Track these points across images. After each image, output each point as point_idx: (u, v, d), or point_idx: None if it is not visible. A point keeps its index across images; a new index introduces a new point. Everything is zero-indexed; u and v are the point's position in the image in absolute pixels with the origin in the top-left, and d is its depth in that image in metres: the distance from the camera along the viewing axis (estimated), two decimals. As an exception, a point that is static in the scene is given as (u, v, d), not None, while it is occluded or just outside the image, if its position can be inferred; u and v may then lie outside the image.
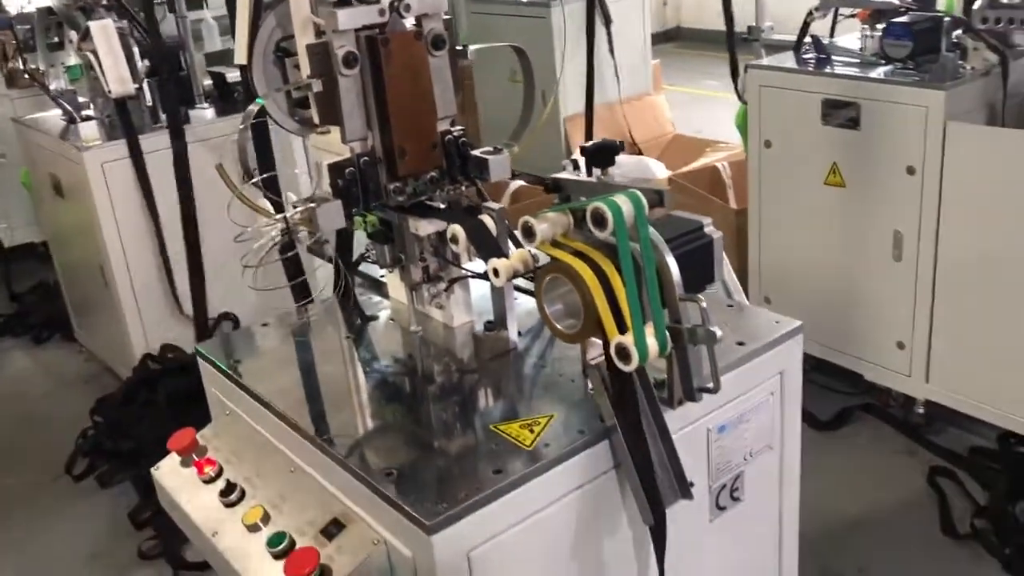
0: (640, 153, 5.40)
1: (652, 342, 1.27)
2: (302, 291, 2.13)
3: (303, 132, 1.73)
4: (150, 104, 3.47)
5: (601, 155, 1.44)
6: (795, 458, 1.69)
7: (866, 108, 2.94)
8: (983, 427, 3.04)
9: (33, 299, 4.88)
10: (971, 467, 2.96)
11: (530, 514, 1.32)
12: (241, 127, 1.55)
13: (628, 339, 1.26)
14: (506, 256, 1.46)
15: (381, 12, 1.50)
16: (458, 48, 1.62)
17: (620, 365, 1.28)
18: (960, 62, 2.86)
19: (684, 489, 1.39)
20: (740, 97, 3.64)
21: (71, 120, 3.73)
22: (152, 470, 1.66)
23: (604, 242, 1.33)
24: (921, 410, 3.18)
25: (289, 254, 1.96)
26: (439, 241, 1.65)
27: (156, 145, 3.41)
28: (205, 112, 3.61)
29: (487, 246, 1.48)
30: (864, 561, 2.67)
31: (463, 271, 1.69)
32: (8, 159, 4.76)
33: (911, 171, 2.89)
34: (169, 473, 1.63)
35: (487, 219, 1.53)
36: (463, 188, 1.66)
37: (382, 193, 1.60)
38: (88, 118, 3.73)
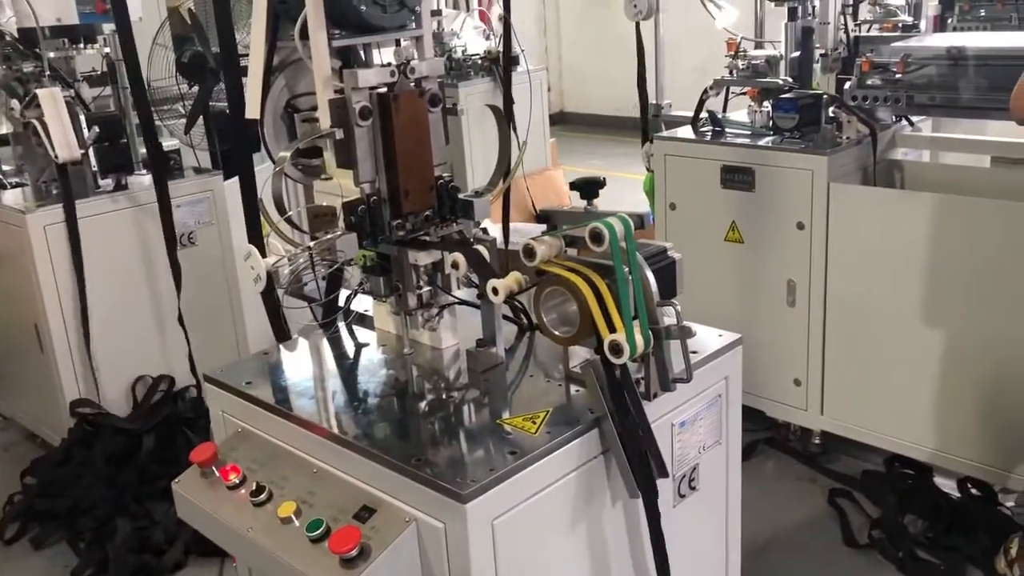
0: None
1: (639, 338, 1.54)
2: (282, 332, 2.32)
3: (306, 180, 1.96)
4: (95, 169, 3.58)
5: (588, 188, 1.73)
6: (737, 452, 1.99)
7: (760, 172, 3.36)
8: (872, 452, 3.43)
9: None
10: (864, 487, 3.32)
11: (540, 489, 1.55)
12: (274, 173, 1.75)
13: (620, 336, 1.53)
14: (500, 278, 1.71)
15: (391, 73, 1.76)
16: (448, 106, 1.90)
17: (613, 359, 1.54)
18: (837, 132, 3.32)
19: (661, 469, 1.66)
20: (646, 165, 4.03)
21: (1, 186, 3.80)
22: (173, 484, 1.80)
23: (590, 262, 1.62)
24: (818, 440, 3.55)
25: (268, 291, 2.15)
26: (433, 270, 1.90)
27: (98, 209, 3.53)
28: (143, 178, 3.75)
29: (485, 270, 1.74)
30: (781, 571, 2.97)
31: (453, 298, 1.93)
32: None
33: (801, 226, 3.30)
34: (191, 485, 1.77)
35: (482, 249, 1.79)
36: (454, 225, 1.91)
37: (385, 229, 1.83)
38: (17, 185, 3.81)
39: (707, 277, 3.59)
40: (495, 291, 1.69)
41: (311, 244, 1.73)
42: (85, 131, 3.48)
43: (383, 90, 1.77)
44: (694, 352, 1.85)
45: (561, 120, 11.15)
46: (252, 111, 1.91)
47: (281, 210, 1.73)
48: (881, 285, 3.17)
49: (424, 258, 1.85)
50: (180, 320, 3.50)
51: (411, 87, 1.80)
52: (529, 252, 1.61)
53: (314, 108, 1.85)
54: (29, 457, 3.76)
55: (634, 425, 1.59)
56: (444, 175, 1.90)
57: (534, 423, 1.63)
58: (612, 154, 8.79)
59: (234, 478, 1.72)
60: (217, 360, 2.04)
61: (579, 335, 1.60)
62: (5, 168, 3.98)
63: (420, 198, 1.83)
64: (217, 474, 1.74)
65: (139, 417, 3.64)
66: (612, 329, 1.55)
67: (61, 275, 3.48)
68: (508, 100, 2.99)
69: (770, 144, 3.38)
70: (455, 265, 1.77)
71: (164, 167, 3.76)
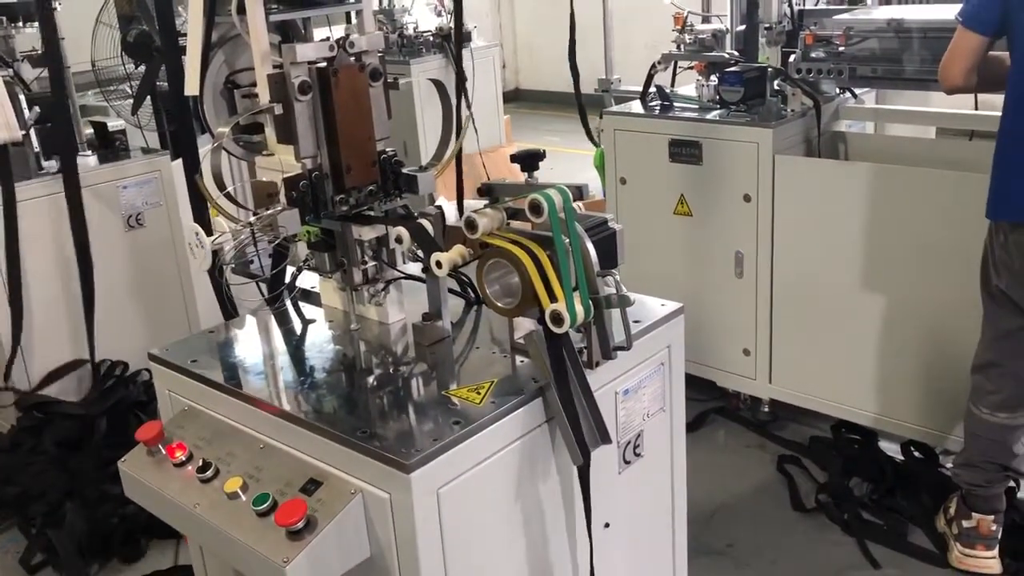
0: (498, 200, 5.77)
1: (579, 308, 1.56)
2: (229, 309, 2.32)
3: (247, 156, 1.95)
4: (37, 150, 3.52)
5: (529, 160, 1.74)
6: (681, 418, 2.02)
7: (707, 145, 3.40)
8: (820, 419, 3.51)
9: None
10: (812, 453, 3.40)
11: (485, 458, 1.57)
12: (212, 148, 1.74)
13: (561, 306, 1.55)
14: (444, 251, 1.72)
15: (330, 48, 1.76)
16: (389, 80, 1.90)
17: (554, 329, 1.57)
18: (782, 105, 3.37)
19: (604, 435, 1.68)
20: (594, 142, 4.06)
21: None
22: (119, 463, 1.79)
23: (532, 233, 1.63)
24: (767, 408, 3.62)
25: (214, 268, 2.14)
26: (378, 245, 1.90)
27: (41, 191, 3.47)
28: (88, 159, 3.69)
29: (429, 243, 1.75)
30: (731, 537, 3.03)
31: (399, 272, 1.94)
32: None
33: (747, 199, 3.35)
34: (137, 463, 1.77)
35: (426, 223, 1.80)
36: (397, 200, 1.92)
37: (328, 204, 1.83)
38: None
39: (657, 250, 3.64)
40: (439, 264, 1.70)
41: (252, 220, 1.72)
42: (25, 111, 3.42)
43: (323, 65, 1.76)
44: (636, 321, 1.88)
45: (516, 97, 11.14)
46: (191, 88, 1.89)
47: (220, 186, 1.72)
48: (826, 255, 3.23)
49: (368, 233, 1.86)
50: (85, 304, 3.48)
51: (351, 61, 1.79)
52: (471, 225, 1.63)
53: (254, 84, 1.84)
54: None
55: (576, 392, 1.61)
56: (387, 150, 1.90)
57: (479, 393, 1.65)
58: (568, 130, 8.77)
59: (180, 455, 1.72)
60: (168, 341, 2.03)
61: (521, 306, 1.62)
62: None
63: (362, 173, 1.84)
64: (163, 452, 1.74)
65: (91, 402, 3.61)
66: (553, 299, 1.57)
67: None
68: (460, 75, 2.98)
69: (717, 118, 3.42)
70: (399, 239, 1.77)
71: (73, 153, 3.68)
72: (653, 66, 3.71)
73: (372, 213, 1.89)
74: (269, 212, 1.72)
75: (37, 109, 3.43)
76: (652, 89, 3.71)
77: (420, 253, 1.82)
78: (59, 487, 3.30)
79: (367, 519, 1.55)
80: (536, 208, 1.54)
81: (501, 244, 1.61)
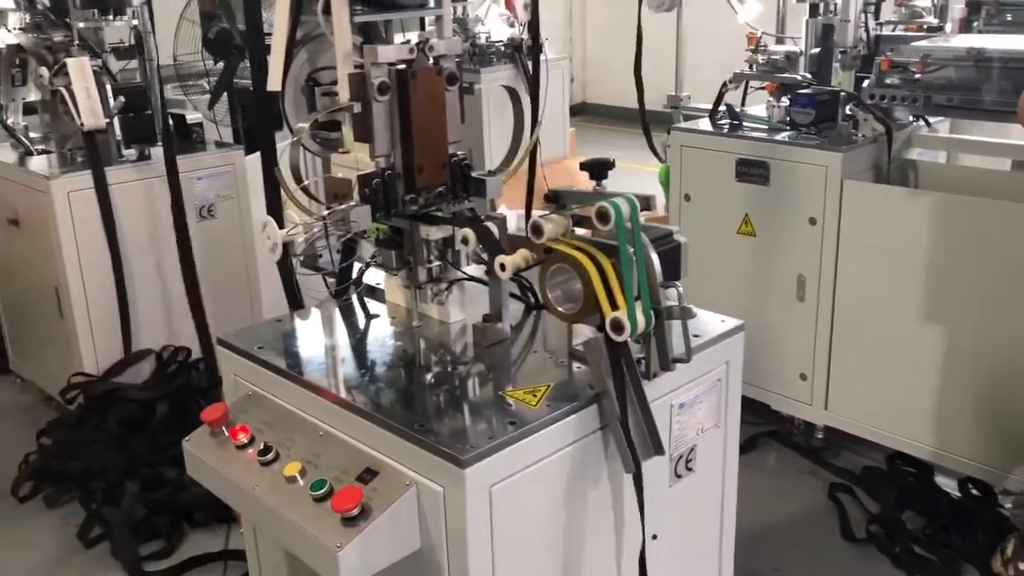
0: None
1: (641, 317, 1.58)
2: (295, 300, 2.38)
3: (323, 153, 2.01)
4: (119, 139, 3.64)
5: (598, 169, 1.77)
6: (735, 436, 2.02)
7: (775, 166, 3.38)
8: (874, 449, 3.45)
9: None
10: (865, 483, 3.35)
11: (538, 460, 1.59)
12: (292, 143, 1.80)
13: (622, 314, 1.57)
14: (508, 254, 1.75)
15: (410, 50, 1.80)
16: (464, 85, 1.94)
17: (615, 336, 1.58)
18: (853, 130, 3.34)
19: (658, 447, 1.69)
20: (659, 157, 4.07)
21: (27, 153, 3.87)
22: (184, 442, 1.85)
23: (596, 241, 1.66)
24: (820, 435, 3.58)
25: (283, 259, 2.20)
26: (444, 246, 1.94)
27: (121, 178, 3.60)
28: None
29: (494, 246, 1.78)
30: (778, 562, 3.00)
31: (462, 273, 1.98)
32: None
33: (813, 222, 3.32)
34: (200, 443, 1.83)
35: (491, 226, 1.83)
36: (465, 203, 1.95)
37: (399, 203, 1.88)
38: (43, 152, 3.88)
39: (719, 269, 3.62)
40: (503, 267, 1.73)
41: (325, 214, 1.77)
42: (111, 101, 3.54)
43: (402, 67, 1.81)
44: (696, 336, 1.88)
45: (583, 111, 11.16)
46: (274, 83, 1.95)
47: (297, 179, 1.77)
48: (889, 283, 3.19)
49: (435, 233, 1.90)
50: (189, 292, 3.57)
51: (429, 65, 1.84)
52: (536, 229, 1.65)
53: (334, 82, 1.89)
54: (45, 419, 3.84)
55: (632, 401, 1.63)
56: (458, 153, 1.94)
57: (535, 396, 1.67)
58: (631, 146, 8.76)
59: (243, 438, 1.77)
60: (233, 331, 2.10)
61: (583, 312, 1.64)
62: (33, 135, 4.05)
63: (434, 174, 1.88)
64: (227, 434, 1.79)
65: (153, 386, 3.71)
66: (615, 307, 1.59)
67: (83, 241, 3.56)
68: (535, 83, 2.97)
69: (786, 139, 3.40)
70: (465, 240, 1.81)
71: (186, 140, 3.84)
72: (724, 84, 3.71)
73: (440, 214, 1.93)
74: (342, 207, 1.77)
75: (121, 99, 3.55)
76: (722, 107, 3.70)
77: (484, 256, 1.85)
78: (119, 466, 3.41)
79: (420, 511, 1.58)
80: (603, 216, 1.56)
81: (565, 250, 1.63)
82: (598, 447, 1.70)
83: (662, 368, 1.69)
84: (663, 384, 1.77)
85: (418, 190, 1.88)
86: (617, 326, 1.57)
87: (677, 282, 1.62)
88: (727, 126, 3.64)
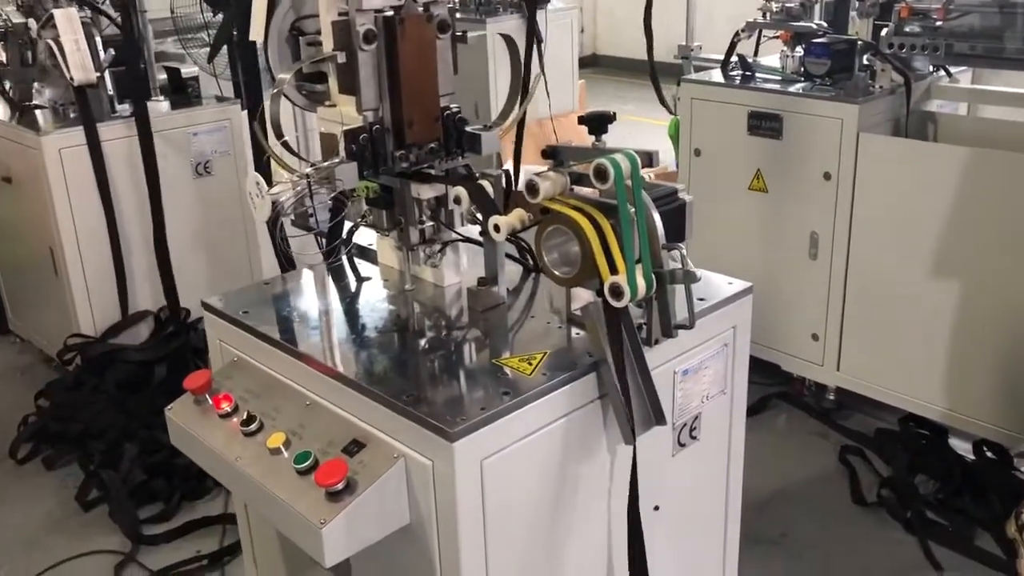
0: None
1: (641, 281, 1.49)
2: (288, 262, 2.30)
3: (310, 106, 1.91)
4: (111, 94, 3.54)
5: (597, 123, 1.66)
6: (742, 403, 1.94)
7: (788, 119, 3.26)
8: (887, 411, 3.37)
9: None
10: (877, 446, 3.27)
11: (532, 431, 1.51)
12: (272, 96, 1.70)
13: (621, 278, 1.47)
14: (504, 214, 1.66)
15: (398, -4, 1.69)
16: (458, 33, 1.82)
17: (613, 302, 1.49)
18: (870, 81, 3.21)
19: (660, 417, 1.61)
20: (669, 110, 3.94)
21: (15, 108, 3.77)
22: (166, 410, 1.78)
23: (596, 200, 1.56)
24: (832, 396, 3.50)
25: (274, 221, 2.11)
26: (437, 205, 1.84)
27: (114, 134, 3.50)
28: (160, 105, 3.70)
29: (488, 205, 1.68)
30: (786, 527, 2.94)
31: (457, 234, 1.88)
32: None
33: (827, 177, 3.21)
34: (183, 412, 1.75)
35: (486, 183, 1.73)
36: (459, 159, 1.85)
37: (388, 159, 1.78)
38: (36, 107, 3.78)
39: (729, 226, 3.52)
40: (496, 228, 1.63)
41: (308, 171, 1.68)
42: (101, 54, 3.43)
43: (389, 13, 1.70)
44: (701, 299, 1.79)
45: (594, 63, 10.96)
46: (256, 33, 1.85)
47: (279, 134, 1.68)
48: (906, 241, 3.08)
49: (427, 191, 1.80)
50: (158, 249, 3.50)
51: (418, 11, 1.73)
52: (532, 188, 1.56)
53: (319, 31, 1.79)
54: (45, 380, 3.79)
55: (632, 370, 1.54)
56: (452, 106, 1.83)
57: (531, 364, 1.58)
58: (644, 99, 8.56)
59: (226, 407, 1.70)
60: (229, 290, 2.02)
61: (580, 276, 1.55)
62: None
63: (425, 128, 1.77)
64: (210, 402, 1.72)
65: (152, 347, 3.65)
66: (614, 271, 1.50)
67: (76, 199, 3.47)
68: (531, 32, 2.85)
69: (800, 91, 3.27)
70: (457, 200, 1.71)
71: (182, 95, 3.73)
72: (736, 34, 3.57)
73: (433, 171, 1.83)
74: (326, 164, 1.67)
75: (111, 51, 3.44)
76: (734, 58, 3.57)
77: (480, 216, 1.76)
78: (117, 427, 3.36)
79: (408, 485, 1.50)
80: (601, 173, 1.46)
81: (562, 210, 1.54)
82: (597, 416, 1.62)
83: (664, 335, 1.60)
84: (666, 350, 1.68)
85: (408, 146, 1.77)
86: (616, 291, 1.48)
87: (681, 244, 1.52)
88: (739, 77, 3.51)
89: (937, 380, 3.12)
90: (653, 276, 1.51)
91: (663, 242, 1.53)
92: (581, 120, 1.67)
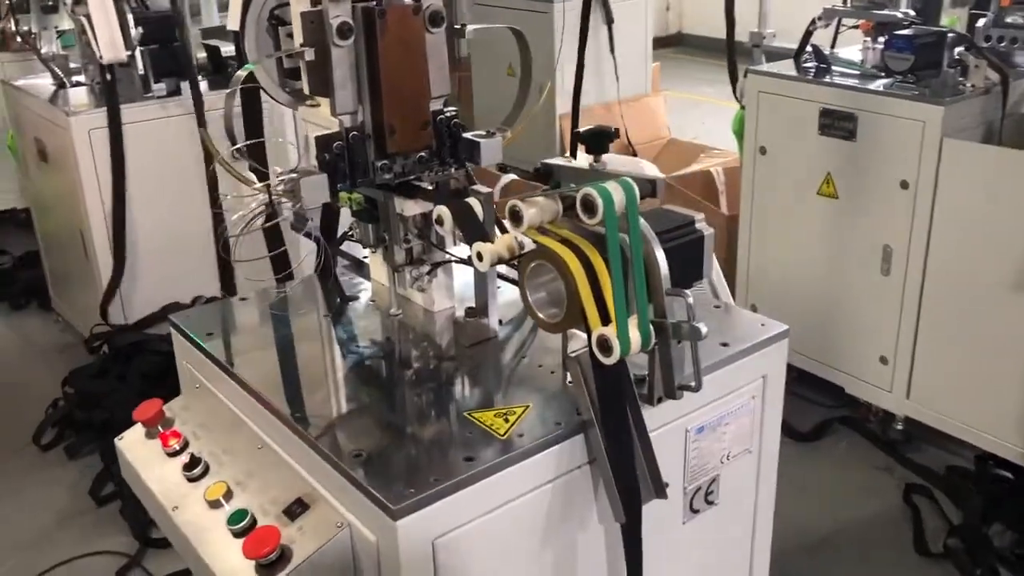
0: (635, 154, 5.38)
1: (635, 335, 1.24)
2: (282, 265, 2.10)
3: (293, 103, 1.69)
4: (142, 73, 3.40)
5: (595, 140, 1.40)
6: (772, 463, 1.67)
7: (863, 120, 2.92)
8: (961, 447, 3.03)
9: (13, 264, 4.81)
10: (947, 486, 2.94)
11: (499, 505, 1.28)
12: (228, 92, 1.51)
13: (610, 331, 1.23)
14: (491, 241, 1.42)
15: (379, -16, 1.46)
16: (456, 27, 1.59)
17: (601, 358, 1.25)
18: (960, 79, 2.84)
19: (659, 489, 1.37)
20: (739, 101, 3.62)
21: (61, 85, 3.68)
22: (116, 440, 1.61)
23: (593, 232, 1.31)
24: (900, 426, 3.17)
25: (270, 223, 1.93)
26: (424, 223, 1.62)
27: (146, 115, 3.37)
28: (199, 84, 3.55)
29: (472, 229, 1.45)
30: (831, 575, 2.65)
31: (447, 255, 1.66)
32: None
33: (904, 185, 2.87)
34: (133, 444, 1.58)
35: (474, 202, 1.49)
36: (452, 171, 1.62)
37: (369, 170, 1.56)
38: (78, 84, 3.68)
39: (793, 233, 3.22)
40: (480, 256, 1.40)
41: (270, 184, 1.47)
42: (133, 31, 3.29)
43: (370, 3, 1.47)
44: (725, 344, 1.53)
45: (679, 42, 10.54)
46: (232, 21, 1.65)
47: (232, 138, 1.48)
48: (991, 259, 2.73)
49: (412, 208, 1.57)
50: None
51: (404, 2, 1.49)
52: (515, 215, 1.32)
53: (299, 21, 1.57)
54: (83, 362, 3.72)
55: (622, 439, 1.30)
56: (446, 110, 1.60)
57: (507, 421, 1.35)
58: (727, 82, 8.22)
59: (174, 444, 1.52)
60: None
61: (566, 321, 1.30)
62: (73, 66, 3.85)
63: (409, 136, 1.54)
64: (158, 438, 1.54)
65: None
66: (607, 320, 1.25)
67: (106, 182, 3.36)
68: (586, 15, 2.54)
69: (879, 88, 2.93)
70: (439, 221, 1.48)
71: (222, 74, 3.58)
72: (812, 22, 3.22)
73: (423, 184, 1.60)
74: (289, 176, 1.46)
75: (140, 29, 3.30)
76: (808, 49, 3.23)
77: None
78: (139, 418, 3.25)
79: (355, 558, 1.29)
80: (589, 206, 1.21)
81: (547, 243, 1.29)
82: (586, 483, 1.38)
83: (666, 395, 1.35)
84: (677, 404, 1.43)
85: (392, 155, 1.55)
86: (604, 346, 1.23)
87: (687, 292, 1.26)
88: (812, 70, 3.18)
89: (1020, 416, 2.76)
90: (651, 328, 1.26)
91: (667, 286, 1.27)
92: (576, 136, 1.42)
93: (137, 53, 3.35)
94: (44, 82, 3.72)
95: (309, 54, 1.45)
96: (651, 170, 4.99)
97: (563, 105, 5.52)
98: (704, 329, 1.23)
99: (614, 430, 1.31)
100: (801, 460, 3.09)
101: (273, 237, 2.08)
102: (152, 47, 3.41)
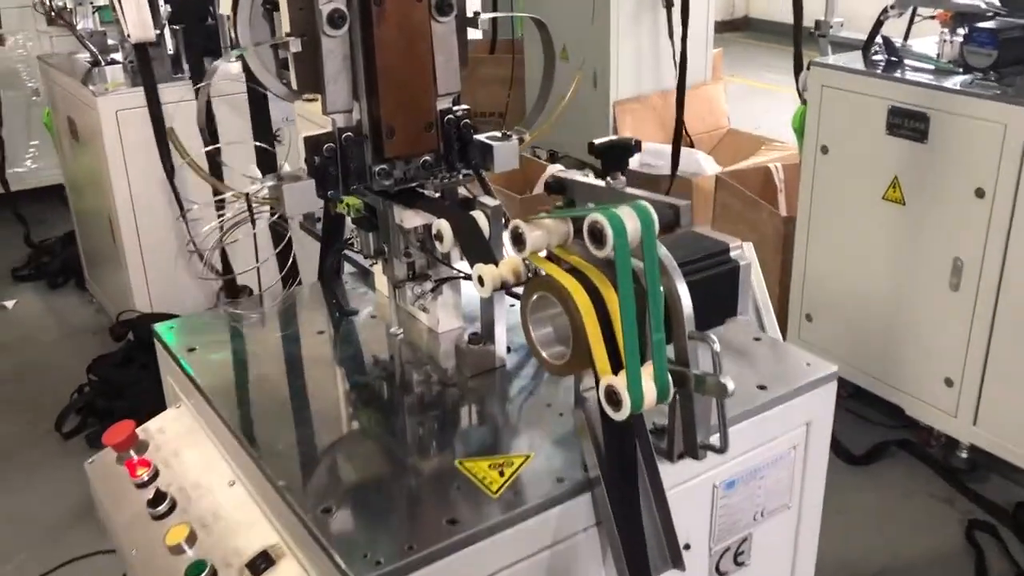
0: (692, 145, 5.13)
1: (649, 387, 1.05)
2: (291, 269, 1.96)
3: (289, 96, 1.52)
4: (172, 53, 3.28)
5: (612, 155, 1.21)
6: (815, 520, 1.47)
7: (936, 120, 2.67)
8: (1032, 481, 2.78)
9: (53, 243, 4.76)
10: (1016, 524, 2.69)
11: (487, 575, 1.11)
12: (205, 84, 1.34)
13: (620, 381, 1.04)
14: (495, 261, 1.24)
15: (377, -35, 1.29)
16: (468, 16, 1.40)
17: (610, 412, 1.06)
18: (1049, 78, 2.57)
19: (676, 558, 1.18)
20: (800, 95, 3.37)
21: (95, 63, 3.58)
22: (86, 464, 1.48)
23: (607, 259, 1.12)
24: (965, 454, 2.92)
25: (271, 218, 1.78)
26: (427, 235, 1.44)
27: (175, 95, 3.24)
28: (230, 66, 3.40)
29: (474, 248, 1.27)
30: (885, 618, 2.44)
31: (453, 271, 1.48)
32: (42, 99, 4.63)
33: (980, 194, 2.61)
34: (102, 470, 1.45)
35: (479, 216, 1.32)
36: (461, 176, 1.44)
37: (366, 175, 1.39)
38: (114, 62, 3.58)
39: (855, 240, 2.98)
40: (481, 281, 1.22)
41: (248, 191, 1.31)
42: (162, 8, 3.17)
43: (367, -12, 1.30)
44: (763, 387, 1.34)
45: (746, 26, 10.20)
46: (224, 4, 1.48)
47: (208, 136, 1.32)
48: (1077, 280, 2.46)
49: (412, 218, 1.40)
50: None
51: (406, -13, 1.32)
52: (517, 238, 1.13)
53: (294, 6, 1.40)
54: (110, 346, 3.64)
55: (633, 503, 1.11)
56: (455, 109, 1.42)
57: (502, 475, 1.18)
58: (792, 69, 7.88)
59: (143, 474, 1.38)
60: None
61: (572, 364, 1.12)
62: (111, 42, 3.75)
63: (410, 139, 1.37)
64: (125, 466, 1.40)
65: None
66: (618, 367, 1.06)
67: (133, 165, 3.25)
68: None
69: (956, 86, 2.66)
70: (438, 236, 1.31)
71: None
72: (884, 11, 2.96)
73: (428, 192, 1.43)
74: (270, 183, 1.30)
75: (168, 8, 3.17)
76: (879, 40, 2.97)
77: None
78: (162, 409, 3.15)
79: (321, 625, 1.13)
80: (597, 235, 1.02)
81: (553, 271, 1.11)
82: (592, 549, 1.20)
83: (688, 453, 1.16)
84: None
85: (391, 160, 1.38)
86: (612, 398, 1.05)
87: (714, 337, 1.07)
88: (882, 64, 2.92)
89: (1101, 455, 2.51)
90: (669, 379, 1.06)
91: (691, 328, 1.08)
92: (591, 150, 1.22)
93: (166, 32, 3.22)
94: (84, 57, 3.63)
95: (295, 45, 1.28)
96: (707, 163, 4.76)
97: (617, 93, 5.32)
98: (731, 386, 1.04)
99: (624, 492, 1.12)
100: (853, 485, 2.86)
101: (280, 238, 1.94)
102: (183, 26, 3.28)
